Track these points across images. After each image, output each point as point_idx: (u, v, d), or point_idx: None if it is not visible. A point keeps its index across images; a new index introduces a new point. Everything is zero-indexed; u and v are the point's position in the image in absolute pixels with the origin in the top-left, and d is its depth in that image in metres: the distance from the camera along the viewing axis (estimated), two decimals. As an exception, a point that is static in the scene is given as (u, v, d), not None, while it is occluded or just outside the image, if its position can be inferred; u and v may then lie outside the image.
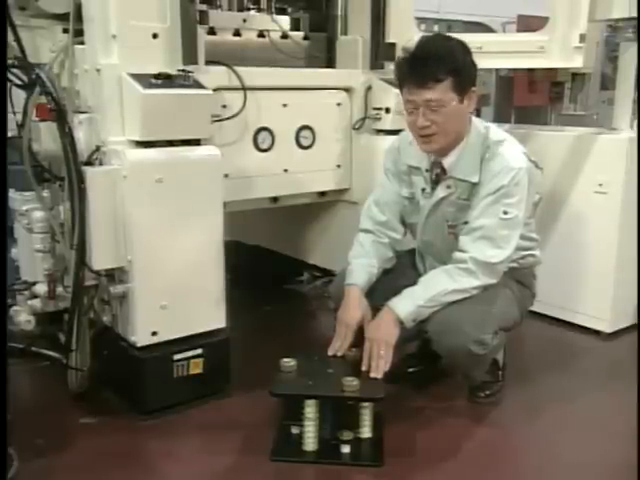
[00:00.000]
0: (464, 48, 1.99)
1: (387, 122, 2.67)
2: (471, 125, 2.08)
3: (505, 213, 2.01)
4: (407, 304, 2.02)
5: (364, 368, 1.99)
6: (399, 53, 2.06)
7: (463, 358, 2.04)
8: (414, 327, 2.06)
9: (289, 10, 2.93)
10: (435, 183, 2.13)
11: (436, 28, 7.04)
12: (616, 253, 2.80)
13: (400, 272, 2.26)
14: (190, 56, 2.13)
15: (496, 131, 2.11)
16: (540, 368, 2.58)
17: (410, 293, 2.05)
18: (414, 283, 2.12)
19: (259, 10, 2.79)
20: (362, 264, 2.18)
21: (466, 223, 2.08)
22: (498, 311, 2.08)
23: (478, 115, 2.47)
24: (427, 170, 2.14)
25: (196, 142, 2.12)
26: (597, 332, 2.88)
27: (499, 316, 2.09)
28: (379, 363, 1.98)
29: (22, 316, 2.16)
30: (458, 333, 1.96)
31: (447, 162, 2.09)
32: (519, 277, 2.24)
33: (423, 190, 2.16)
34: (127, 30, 2.02)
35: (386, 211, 2.24)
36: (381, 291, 2.16)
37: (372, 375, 1.97)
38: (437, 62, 1.92)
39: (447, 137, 2.02)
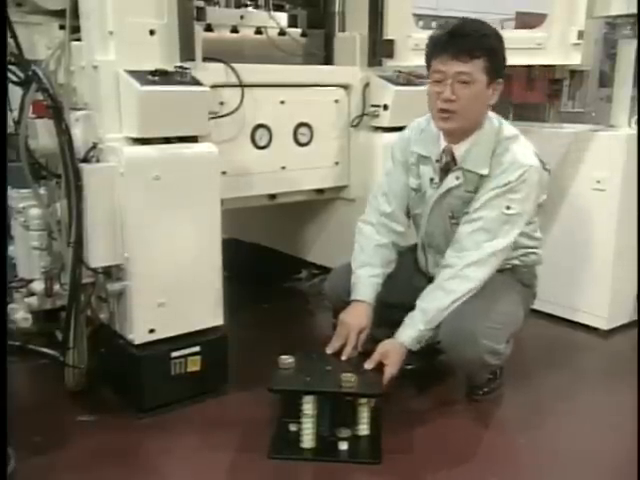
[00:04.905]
0: (499, 37, 2.01)
1: (385, 119, 2.66)
2: (487, 117, 2.07)
3: (508, 208, 2.01)
4: (409, 332, 2.02)
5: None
6: (435, 30, 2.06)
7: (476, 368, 2.09)
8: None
9: (287, 7, 2.92)
10: (444, 173, 2.11)
11: (434, 25, 7.04)
12: (614, 250, 2.80)
13: (401, 271, 2.26)
14: (187, 53, 2.13)
15: (510, 127, 2.10)
16: (538, 366, 2.58)
17: (410, 320, 2.04)
18: (414, 281, 2.15)
19: (256, 7, 2.79)
20: (367, 276, 2.16)
21: (467, 214, 2.07)
22: (510, 320, 2.09)
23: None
24: (437, 160, 2.12)
25: (193, 139, 2.11)
26: (595, 329, 2.88)
27: (510, 324, 2.09)
28: None
29: (19, 314, 2.14)
30: (473, 345, 1.96)
31: (458, 151, 2.07)
32: (521, 277, 2.24)
33: (431, 180, 2.14)
34: (124, 26, 2.01)
35: (392, 201, 2.22)
36: (382, 292, 2.17)
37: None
38: (476, 39, 1.95)
39: (466, 119, 2.00)
